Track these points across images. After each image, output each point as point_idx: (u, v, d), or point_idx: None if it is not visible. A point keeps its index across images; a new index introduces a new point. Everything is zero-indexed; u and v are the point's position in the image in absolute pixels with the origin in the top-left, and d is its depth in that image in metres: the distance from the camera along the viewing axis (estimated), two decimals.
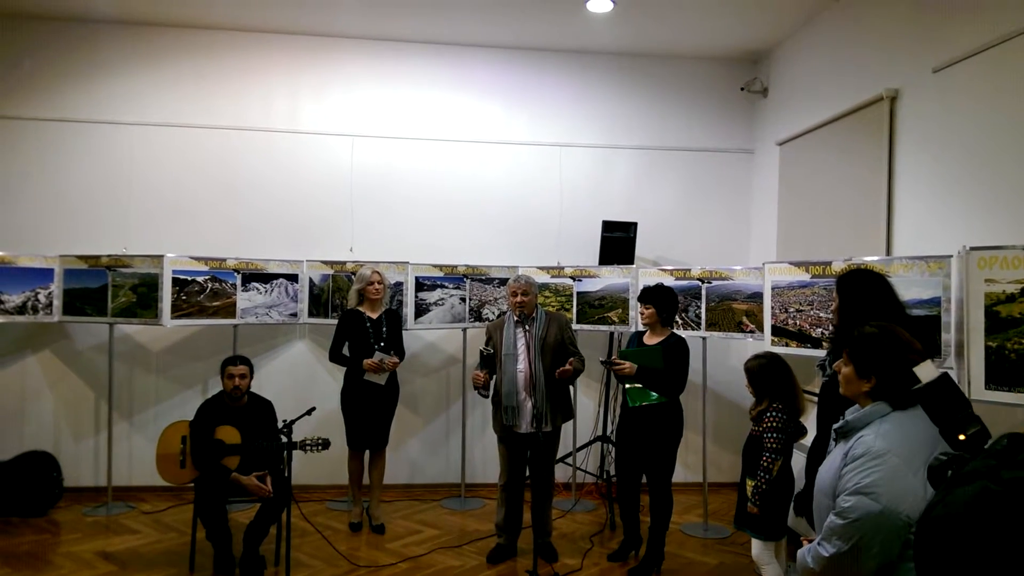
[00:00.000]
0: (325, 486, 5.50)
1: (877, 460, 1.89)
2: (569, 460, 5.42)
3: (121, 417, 5.43)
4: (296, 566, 4.01)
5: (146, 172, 5.55)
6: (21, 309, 5.04)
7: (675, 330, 4.34)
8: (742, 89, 6.03)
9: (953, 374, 3.20)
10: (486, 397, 4.30)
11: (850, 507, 1.89)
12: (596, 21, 5.32)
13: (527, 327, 4.21)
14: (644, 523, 4.28)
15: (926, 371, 2.03)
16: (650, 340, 4.18)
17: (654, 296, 4.12)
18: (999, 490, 1.02)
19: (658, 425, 4.04)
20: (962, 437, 1.28)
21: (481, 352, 4.27)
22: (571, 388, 4.61)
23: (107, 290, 5.05)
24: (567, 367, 4.12)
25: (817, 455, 2.75)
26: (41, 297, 5.10)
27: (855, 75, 4.61)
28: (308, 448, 3.68)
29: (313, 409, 3.86)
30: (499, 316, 5.08)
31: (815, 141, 5.04)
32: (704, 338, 4.99)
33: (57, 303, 5.13)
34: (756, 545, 3.37)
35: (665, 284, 4.36)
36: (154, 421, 5.40)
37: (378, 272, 4.82)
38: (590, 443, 5.52)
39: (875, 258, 3.73)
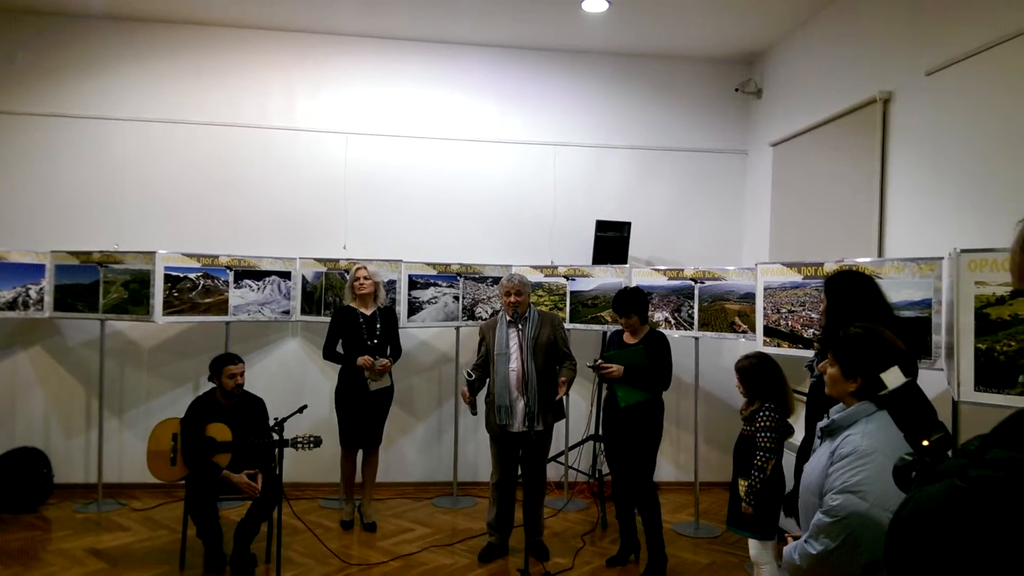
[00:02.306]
0: (317, 484, 5.50)
1: (864, 459, 1.92)
2: (561, 459, 5.44)
3: (112, 414, 5.41)
4: (287, 564, 4.01)
5: (139, 168, 5.53)
6: (12, 304, 5.02)
7: (660, 328, 4.35)
8: (736, 90, 6.03)
9: (943, 376, 3.23)
10: (475, 415, 4.26)
11: (838, 505, 1.92)
12: (591, 21, 5.32)
13: (520, 327, 4.21)
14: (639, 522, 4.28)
15: (893, 377, 2.05)
16: (631, 339, 4.20)
17: (630, 306, 4.11)
18: (966, 487, 1.04)
19: (639, 422, 4.06)
20: (926, 443, 1.30)
21: (467, 375, 4.26)
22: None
23: (99, 286, 5.03)
24: (561, 387, 4.16)
25: (806, 455, 2.76)
26: (32, 292, 5.07)
27: (848, 77, 4.63)
28: (300, 446, 3.67)
29: (305, 407, 3.84)
30: (492, 315, 5.08)
31: (808, 142, 5.05)
32: (696, 338, 5.00)
33: (48, 299, 5.11)
34: (754, 545, 3.37)
35: (627, 287, 4.48)
36: (145, 418, 5.38)
37: (364, 268, 4.81)
38: (582, 442, 5.53)
39: (867, 259, 3.75)
